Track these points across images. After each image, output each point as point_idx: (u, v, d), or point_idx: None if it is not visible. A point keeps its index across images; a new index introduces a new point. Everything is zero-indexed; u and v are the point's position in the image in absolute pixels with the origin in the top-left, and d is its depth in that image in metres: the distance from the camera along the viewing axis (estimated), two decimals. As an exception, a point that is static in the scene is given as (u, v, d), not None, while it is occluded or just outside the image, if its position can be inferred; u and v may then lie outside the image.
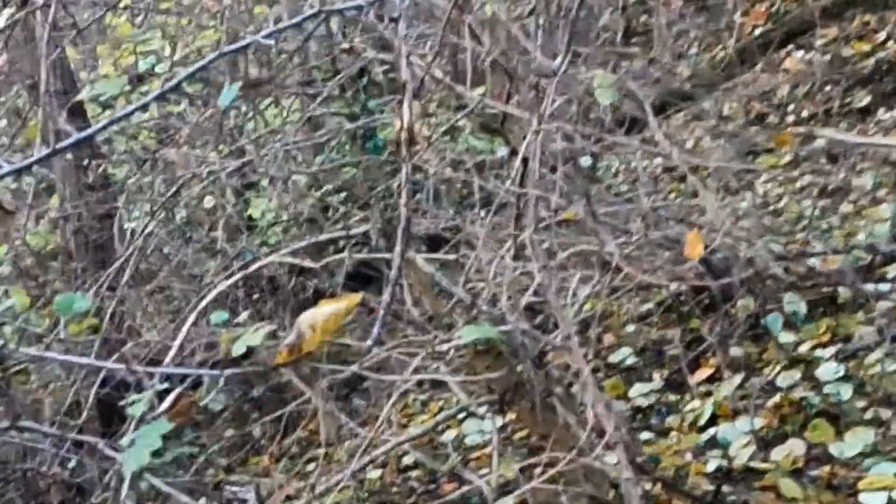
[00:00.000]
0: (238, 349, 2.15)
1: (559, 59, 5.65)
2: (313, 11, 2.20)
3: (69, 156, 7.98)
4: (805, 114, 8.47)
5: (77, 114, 8.41)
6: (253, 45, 2.35)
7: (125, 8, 10.69)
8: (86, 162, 8.05)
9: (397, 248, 4.98)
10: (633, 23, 10.00)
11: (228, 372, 2.41)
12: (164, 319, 7.70)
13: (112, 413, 7.08)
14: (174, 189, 6.87)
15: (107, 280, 6.65)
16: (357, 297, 1.86)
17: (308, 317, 1.82)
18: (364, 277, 7.63)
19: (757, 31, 9.27)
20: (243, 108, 8.32)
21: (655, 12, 9.59)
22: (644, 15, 10.35)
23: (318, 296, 8.05)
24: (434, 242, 7.66)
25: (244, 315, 6.49)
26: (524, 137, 6.39)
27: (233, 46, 2.41)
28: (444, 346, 5.56)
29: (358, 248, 7.63)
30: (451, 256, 5.81)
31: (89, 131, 2.24)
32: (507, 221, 6.04)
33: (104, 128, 2.32)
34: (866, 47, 8.56)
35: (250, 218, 8.94)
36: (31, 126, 6.21)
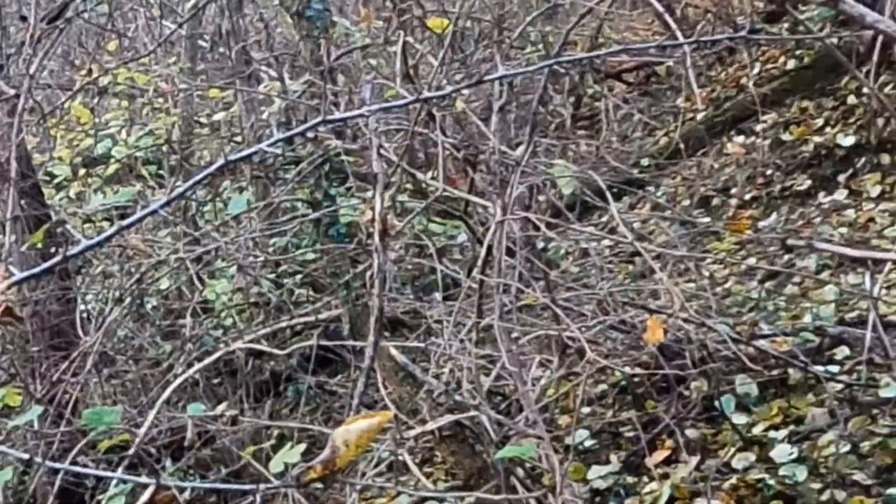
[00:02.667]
0: (275, 467, 2.13)
1: (521, 149, 5.72)
2: (318, 121, 2.20)
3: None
4: (748, 197, 8.60)
5: (34, 196, 8.34)
6: (259, 153, 2.35)
7: (80, 89, 10.65)
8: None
9: (371, 338, 4.99)
10: (581, 107, 10.13)
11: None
12: (125, 405, 7.59)
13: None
14: (138, 276, 6.81)
15: (71, 366, 6.58)
16: (389, 414, 1.85)
17: (342, 433, 1.82)
18: (322, 360, 7.60)
19: (699, 116, 9.43)
20: (201, 193, 8.30)
21: (601, 97, 9.74)
22: (590, 99, 10.49)
23: (276, 378, 8.00)
24: (394, 326, 7.66)
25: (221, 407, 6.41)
26: (483, 223, 6.45)
27: (239, 155, 2.42)
28: (411, 433, 5.56)
29: (316, 332, 7.60)
30: (419, 344, 5.81)
31: (103, 237, 2.23)
32: (470, 307, 6.08)
33: (115, 234, 2.30)
34: (805, 132, 8.73)
35: (205, 301, 8.86)
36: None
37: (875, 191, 7.95)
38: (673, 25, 4.52)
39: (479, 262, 5.67)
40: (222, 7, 9.60)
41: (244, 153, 2.27)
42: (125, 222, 2.38)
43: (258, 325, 7.71)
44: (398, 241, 7.18)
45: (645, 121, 9.51)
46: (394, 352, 5.10)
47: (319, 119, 2.14)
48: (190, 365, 7.26)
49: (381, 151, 4.93)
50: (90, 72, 9.56)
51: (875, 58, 5.14)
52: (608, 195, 5.24)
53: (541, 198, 7.13)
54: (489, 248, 5.52)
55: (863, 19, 1.27)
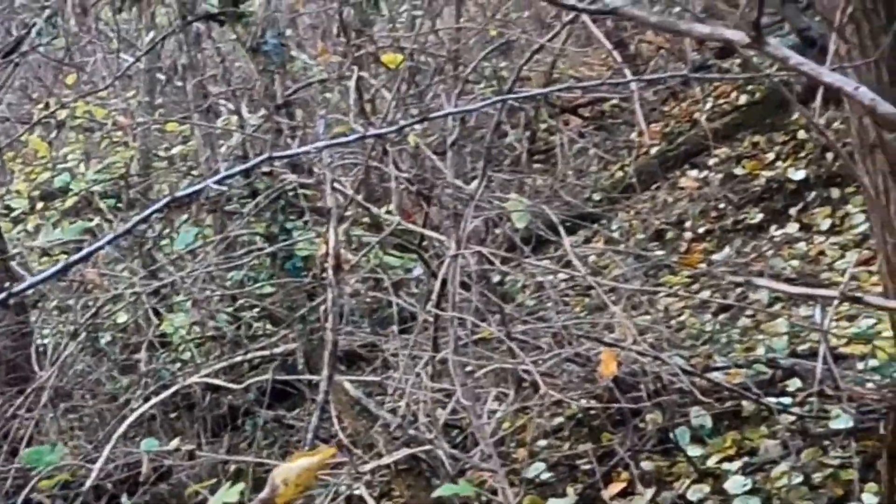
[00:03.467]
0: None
1: (475, 184, 5.71)
2: (264, 157, 2.17)
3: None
4: (702, 230, 8.63)
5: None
6: (206, 190, 2.32)
7: (38, 123, 10.56)
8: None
9: (325, 372, 4.95)
10: (537, 141, 10.15)
11: None
12: (80, 440, 7.49)
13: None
14: (94, 310, 6.73)
15: (26, 401, 6.48)
16: (331, 451, 1.82)
17: (282, 471, 1.78)
18: (281, 394, 7.53)
19: (653, 150, 9.47)
20: (158, 227, 8.24)
21: (557, 131, 9.77)
22: (546, 133, 10.50)
23: (234, 412, 7.92)
24: (351, 359, 7.61)
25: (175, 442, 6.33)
26: (438, 256, 6.43)
27: (184, 192, 2.38)
28: (367, 466, 5.51)
29: (272, 365, 7.54)
30: (374, 378, 5.78)
31: (47, 274, 2.18)
32: (426, 341, 6.05)
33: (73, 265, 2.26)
34: (757, 167, 8.78)
35: (163, 335, 8.77)
36: None
37: (825, 224, 8.00)
38: (620, 62, 4.53)
39: (434, 296, 5.65)
40: (180, 41, 9.56)
41: (189, 190, 2.23)
42: (71, 259, 2.33)
43: (216, 358, 7.64)
44: (355, 274, 7.14)
45: (600, 155, 9.54)
46: (348, 386, 5.05)
47: (265, 156, 2.11)
48: (147, 399, 7.17)
49: (335, 186, 4.89)
50: (47, 105, 9.49)
51: (820, 94, 5.19)
52: (561, 229, 5.23)
53: (497, 231, 7.13)
54: (444, 281, 5.50)
55: (787, 61, 1.27)
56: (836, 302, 6.10)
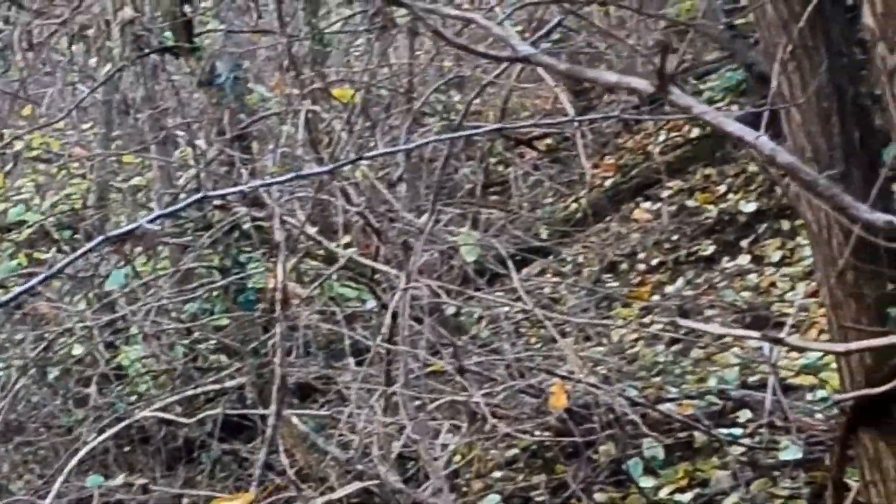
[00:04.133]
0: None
1: (425, 217, 5.70)
2: (198, 196, 2.14)
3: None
4: (655, 262, 8.65)
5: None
6: (139, 229, 2.29)
7: (-7, 154, 10.44)
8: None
9: (273, 407, 4.90)
10: (492, 174, 10.15)
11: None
12: (33, 474, 7.38)
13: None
14: (45, 344, 6.64)
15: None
16: (251, 495, 1.78)
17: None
18: (235, 426, 7.46)
19: (607, 183, 9.49)
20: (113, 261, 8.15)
21: (511, 164, 9.77)
22: (501, 165, 10.50)
23: (189, 445, 7.83)
24: (304, 392, 7.54)
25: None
26: (392, 289, 6.39)
27: (117, 231, 2.34)
28: (319, 501, 5.45)
29: (230, 399, 7.47)
30: (324, 412, 5.73)
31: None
32: (379, 373, 6.01)
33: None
34: (709, 199, 8.82)
35: (119, 367, 8.68)
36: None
37: (776, 256, 8.04)
38: (565, 102, 4.54)
39: (385, 329, 5.62)
40: (138, 74, 9.51)
41: (124, 229, 2.19)
42: (7, 296, 2.29)
43: (171, 391, 7.56)
44: (310, 306, 7.09)
45: (554, 187, 9.55)
46: (296, 420, 5.00)
47: (200, 195, 2.07)
48: (101, 432, 7.08)
49: (285, 220, 4.86)
50: (1, 137, 9.39)
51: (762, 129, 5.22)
52: (509, 263, 5.23)
53: (453, 263, 7.11)
54: (394, 314, 5.48)
55: (690, 110, 1.26)
56: (784, 333, 6.11)
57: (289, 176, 2.59)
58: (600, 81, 1.50)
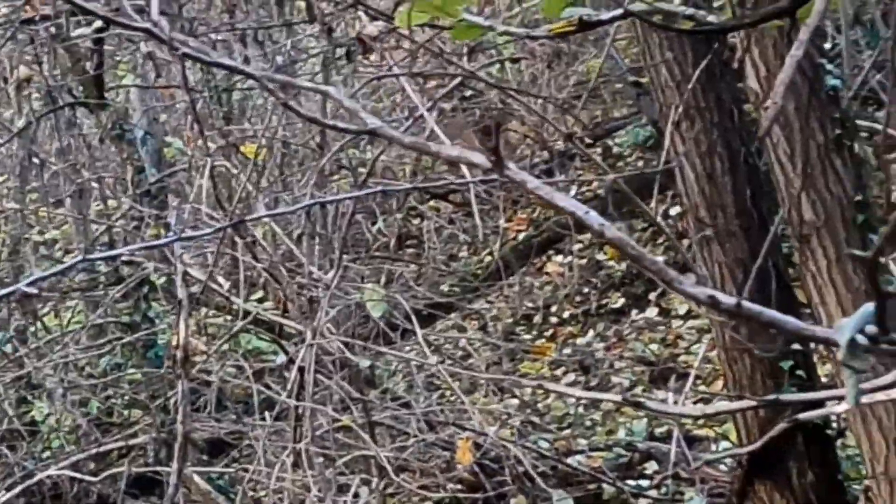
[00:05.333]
0: None
1: (332, 273, 5.65)
2: (78, 259, 2.08)
3: None
4: (566, 315, 8.68)
5: None
6: (17, 292, 2.23)
7: None
8: None
9: (174, 465, 4.81)
10: (407, 227, 10.14)
11: None
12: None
13: None
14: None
15: None
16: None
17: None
18: (150, 482, 7.33)
19: (520, 237, 9.52)
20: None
21: (426, 217, 9.77)
22: (418, 219, 10.50)
23: (103, 501, 7.67)
24: (216, 447, 7.43)
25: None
26: (302, 343, 6.33)
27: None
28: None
29: (145, 454, 7.35)
30: (230, 469, 5.64)
31: None
32: (288, 428, 5.93)
33: None
34: (618, 253, 8.87)
35: (32, 422, 8.50)
36: None
37: (682, 308, 8.10)
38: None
39: (293, 384, 5.55)
40: (52, 127, 9.40)
41: (3, 291, 2.13)
42: None
43: (82, 447, 7.41)
44: (222, 360, 7.00)
45: (468, 241, 9.56)
46: (197, 479, 4.91)
47: (79, 258, 2.02)
48: (10, 489, 6.90)
49: (188, 276, 4.79)
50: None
51: (657, 187, 5.27)
52: (413, 319, 5.21)
53: (363, 318, 7.07)
54: (301, 370, 5.42)
55: (524, 185, 1.26)
56: (687, 386, 6.17)
57: (170, 238, 2.53)
58: (441, 155, 1.49)
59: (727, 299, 1.12)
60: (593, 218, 1.26)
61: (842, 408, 1.47)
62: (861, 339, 1.02)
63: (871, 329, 1.00)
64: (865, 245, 3.37)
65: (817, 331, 1.09)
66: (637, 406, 1.61)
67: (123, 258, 5.94)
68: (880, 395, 1.59)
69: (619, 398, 1.84)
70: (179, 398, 4.42)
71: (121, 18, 1.53)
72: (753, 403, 1.45)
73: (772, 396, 2.39)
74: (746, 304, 1.13)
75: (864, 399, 1.64)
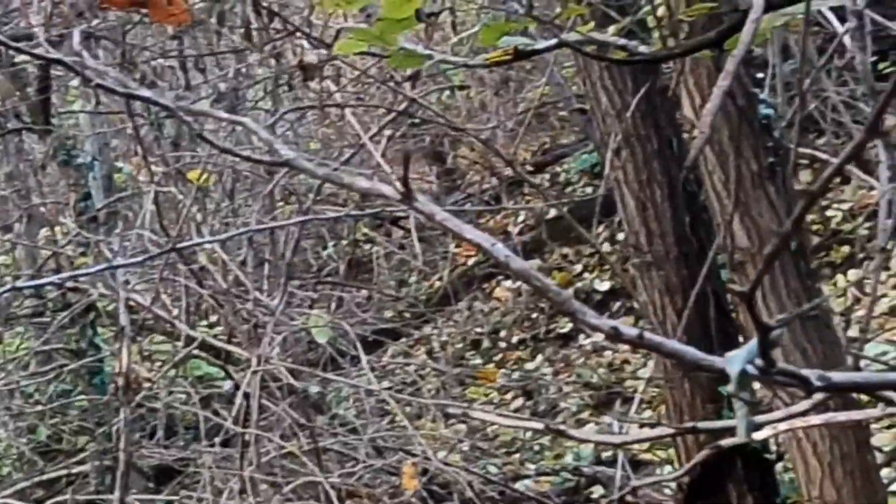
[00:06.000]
0: None
1: (277, 299, 5.63)
2: (7, 288, 2.06)
3: None
4: (515, 339, 8.69)
5: None
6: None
7: None
8: None
9: (116, 494, 4.75)
10: (355, 253, 10.13)
11: None
12: None
13: None
14: None
15: None
16: None
17: None
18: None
19: (470, 262, 9.53)
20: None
21: (377, 243, 9.76)
22: (368, 244, 10.49)
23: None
24: (164, 474, 7.35)
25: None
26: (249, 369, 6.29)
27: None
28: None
29: (87, 483, 7.26)
30: (175, 497, 5.58)
31: None
32: (236, 455, 5.88)
33: None
34: (566, 278, 8.90)
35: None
36: None
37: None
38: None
39: (238, 411, 5.51)
40: (3, 150, 9.32)
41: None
42: None
43: (28, 475, 7.32)
44: (170, 387, 6.94)
45: (419, 267, 9.55)
46: (139, 508, 4.85)
47: (9, 287, 2.00)
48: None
49: (131, 302, 4.76)
50: None
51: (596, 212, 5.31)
52: (358, 346, 5.19)
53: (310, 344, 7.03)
54: (247, 396, 5.38)
55: (433, 217, 1.26)
56: (632, 411, 6.19)
57: (101, 266, 2.51)
58: (355, 188, 1.48)
59: (628, 331, 1.13)
60: (499, 250, 1.26)
61: (763, 434, 1.48)
62: (751, 370, 1.03)
63: (759, 362, 1.01)
64: (799, 271, 3.40)
65: (716, 361, 1.10)
66: (559, 434, 1.60)
67: (68, 284, 5.88)
68: (798, 422, 1.60)
69: (541, 426, 1.84)
70: (122, 425, 4.37)
71: (38, 50, 1.52)
72: (671, 431, 1.46)
73: (689, 424, 2.40)
74: (647, 335, 1.13)
75: (783, 427, 1.65)
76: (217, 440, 6.46)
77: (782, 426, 1.35)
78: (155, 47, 6.44)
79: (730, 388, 1.05)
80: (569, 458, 6.95)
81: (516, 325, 8.72)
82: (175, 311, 6.73)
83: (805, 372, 1.07)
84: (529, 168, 9.74)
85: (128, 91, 1.52)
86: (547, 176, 9.24)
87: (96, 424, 6.71)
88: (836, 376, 1.08)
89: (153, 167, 7.83)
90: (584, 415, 7.49)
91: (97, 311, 6.75)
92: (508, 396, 8.20)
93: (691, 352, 1.13)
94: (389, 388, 7.95)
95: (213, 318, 8.06)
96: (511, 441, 7.53)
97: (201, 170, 5.63)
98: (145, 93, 1.64)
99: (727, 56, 2.15)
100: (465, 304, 9.06)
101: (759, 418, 1.50)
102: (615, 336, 1.13)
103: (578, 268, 8.86)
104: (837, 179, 7.32)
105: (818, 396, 1.26)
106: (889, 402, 1.41)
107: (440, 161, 10.34)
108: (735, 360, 1.05)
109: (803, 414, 1.47)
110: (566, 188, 9.31)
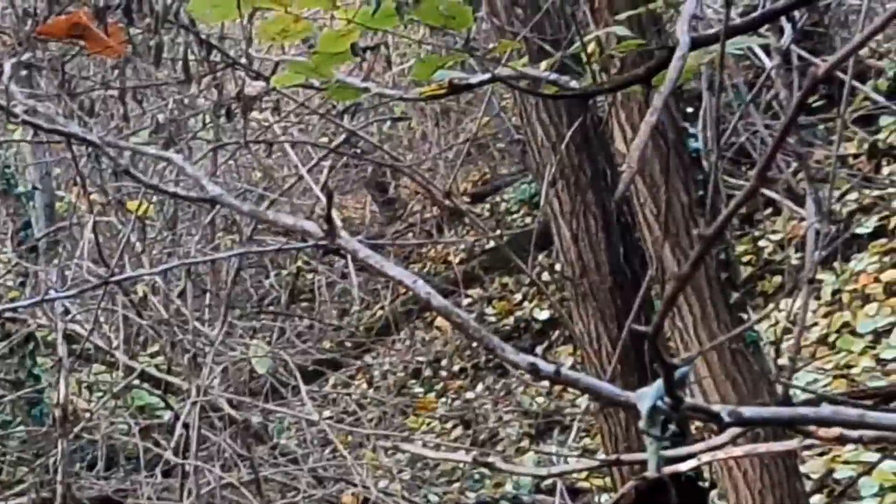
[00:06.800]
0: None
1: (217, 329, 5.59)
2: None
3: None
4: (456, 368, 8.69)
5: None
6: None
7: None
8: None
9: (52, 527, 4.69)
10: (300, 281, 10.09)
11: None
12: None
13: None
14: None
15: None
16: None
17: None
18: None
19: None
20: None
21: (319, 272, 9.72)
22: (311, 273, 10.45)
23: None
24: (103, 506, 7.26)
25: None
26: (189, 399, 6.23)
27: None
28: None
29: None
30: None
31: None
32: (176, 485, 5.82)
33: None
34: (506, 307, 8.94)
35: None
36: None
37: (568, 361, 8.16)
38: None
39: (177, 441, 5.46)
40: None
41: None
42: None
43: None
44: (111, 417, 6.86)
45: (361, 296, 9.53)
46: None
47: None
48: None
49: (71, 333, 4.70)
50: None
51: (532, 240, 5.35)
52: (297, 375, 5.17)
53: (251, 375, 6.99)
54: (186, 426, 5.33)
55: (356, 255, 1.27)
56: (570, 439, 6.21)
57: (38, 298, 2.48)
58: (279, 224, 1.49)
59: (546, 367, 1.14)
60: (420, 287, 1.26)
61: (685, 466, 1.49)
62: (661, 405, 1.04)
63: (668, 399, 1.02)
64: (728, 303, 3.44)
65: (630, 397, 1.11)
66: (486, 466, 1.61)
67: (6, 315, 5.80)
68: (720, 454, 1.61)
69: (469, 458, 1.84)
70: (59, 457, 4.31)
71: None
72: (595, 463, 1.47)
73: (613, 456, 2.41)
74: (565, 371, 1.14)
75: (707, 458, 1.67)
76: (157, 471, 6.41)
77: (705, 457, 1.36)
78: (97, 77, 6.40)
79: (641, 424, 1.06)
80: (508, 487, 6.95)
81: (457, 353, 8.73)
82: (115, 342, 6.67)
83: (715, 407, 1.09)
84: (468, 199, 9.79)
85: (52, 127, 1.51)
86: (487, 206, 9.28)
87: (35, 456, 6.61)
88: (747, 411, 1.09)
89: (93, 196, 7.77)
90: (524, 443, 7.50)
91: (36, 342, 6.66)
92: (448, 426, 8.20)
93: (606, 387, 1.14)
94: (330, 418, 7.92)
95: (155, 348, 8.00)
96: (451, 470, 7.52)
97: (140, 200, 5.58)
98: (73, 128, 1.63)
99: (655, 92, 2.18)
100: (407, 334, 9.05)
101: (683, 450, 1.51)
102: (534, 372, 1.14)
103: (518, 297, 8.90)
104: (769, 210, 7.42)
105: (734, 430, 1.27)
106: (807, 435, 1.43)
107: (382, 191, 10.34)
108: (645, 397, 1.06)
109: (721, 447, 1.48)
110: (507, 217, 9.35)
